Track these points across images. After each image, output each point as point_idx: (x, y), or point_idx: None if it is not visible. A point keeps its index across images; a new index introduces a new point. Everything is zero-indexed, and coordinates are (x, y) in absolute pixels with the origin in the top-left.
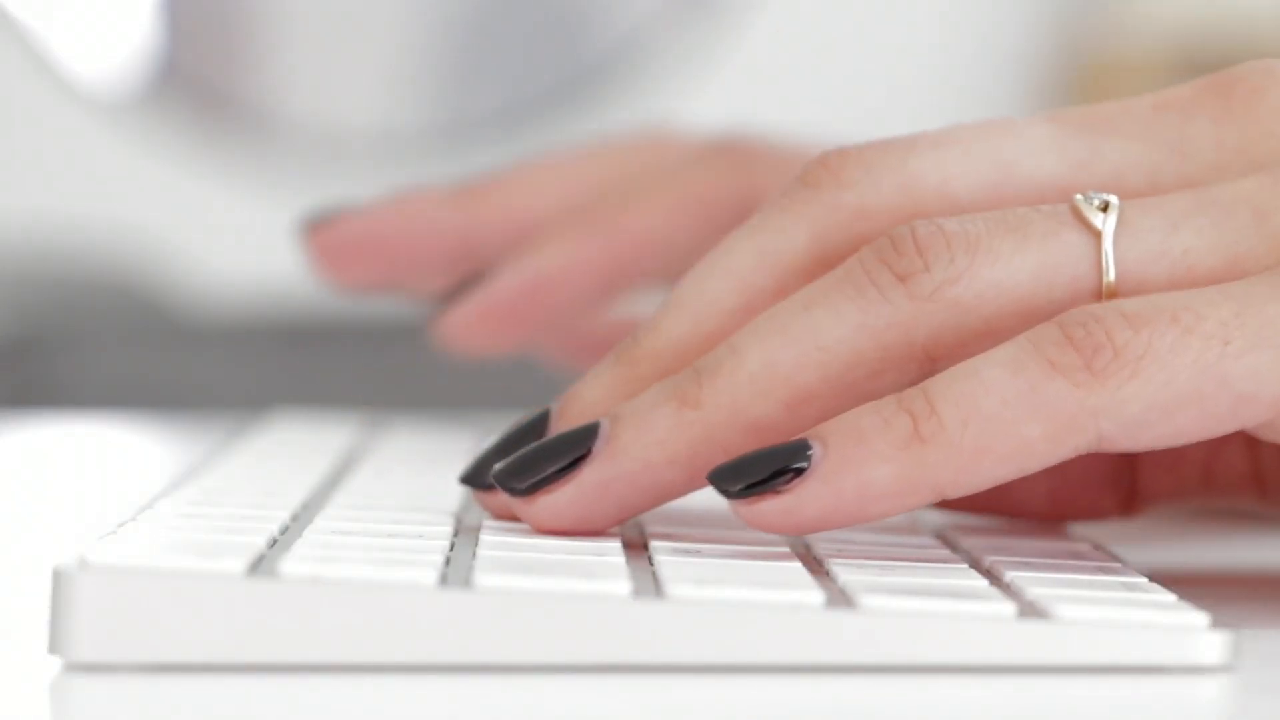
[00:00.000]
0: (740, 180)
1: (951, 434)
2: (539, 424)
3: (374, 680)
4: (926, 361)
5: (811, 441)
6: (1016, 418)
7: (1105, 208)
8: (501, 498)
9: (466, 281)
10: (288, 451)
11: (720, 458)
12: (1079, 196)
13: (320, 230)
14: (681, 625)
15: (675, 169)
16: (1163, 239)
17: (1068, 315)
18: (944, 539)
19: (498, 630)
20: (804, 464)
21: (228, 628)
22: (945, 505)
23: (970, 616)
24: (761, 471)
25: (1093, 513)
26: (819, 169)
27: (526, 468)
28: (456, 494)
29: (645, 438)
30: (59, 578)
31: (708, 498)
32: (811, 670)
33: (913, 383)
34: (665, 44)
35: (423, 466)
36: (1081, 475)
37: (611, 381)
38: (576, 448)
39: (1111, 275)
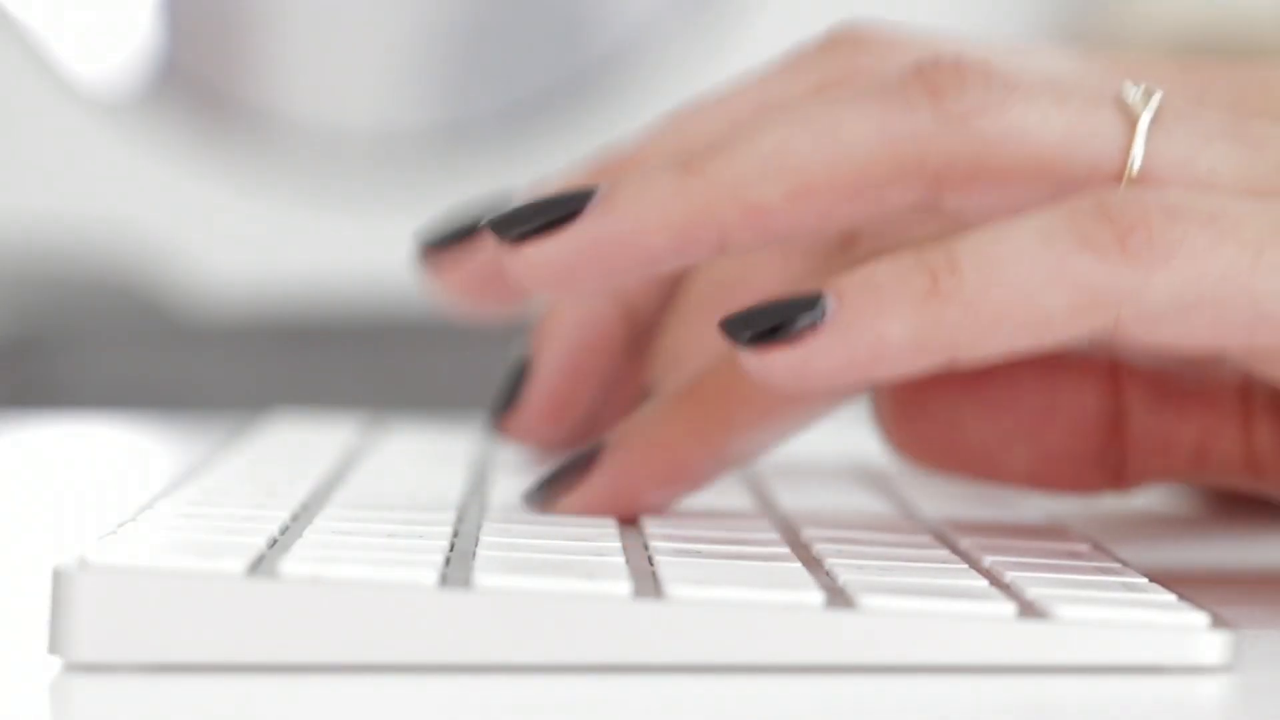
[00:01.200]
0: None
1: (971, 294)
2: (558, 195)
3: (374, 680)
4: (933, 186)
5: (826, 294)
6: (1041, 286)
7: (1149, 96)
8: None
9: (514, 375)
10: (288, 451)
11: (712, 234)
12: (1127, 83)
13: (514, 417)
14: (681, 625)
15: None
16: (1192, 150)
17: (1107, 193)
18: (944, 539)
19: (498, 630)
20: (817, 316)
21: (228, 628)
22: (933, 466)
23: (970, 616)
24: (771, 320)
25: (1077, 486)
26: (840, 32)
27: (520, 217)
28: (456, 494)
29: (641, 199)
30: (59, 578)
31: (708, 498)
32: (811, 670)
33: (918, 204)
34: (665, 44)
35: (423, 466)
36: (1068, 448)
37: (666, 177)
38: (572, 203)
39: (1137, 165)
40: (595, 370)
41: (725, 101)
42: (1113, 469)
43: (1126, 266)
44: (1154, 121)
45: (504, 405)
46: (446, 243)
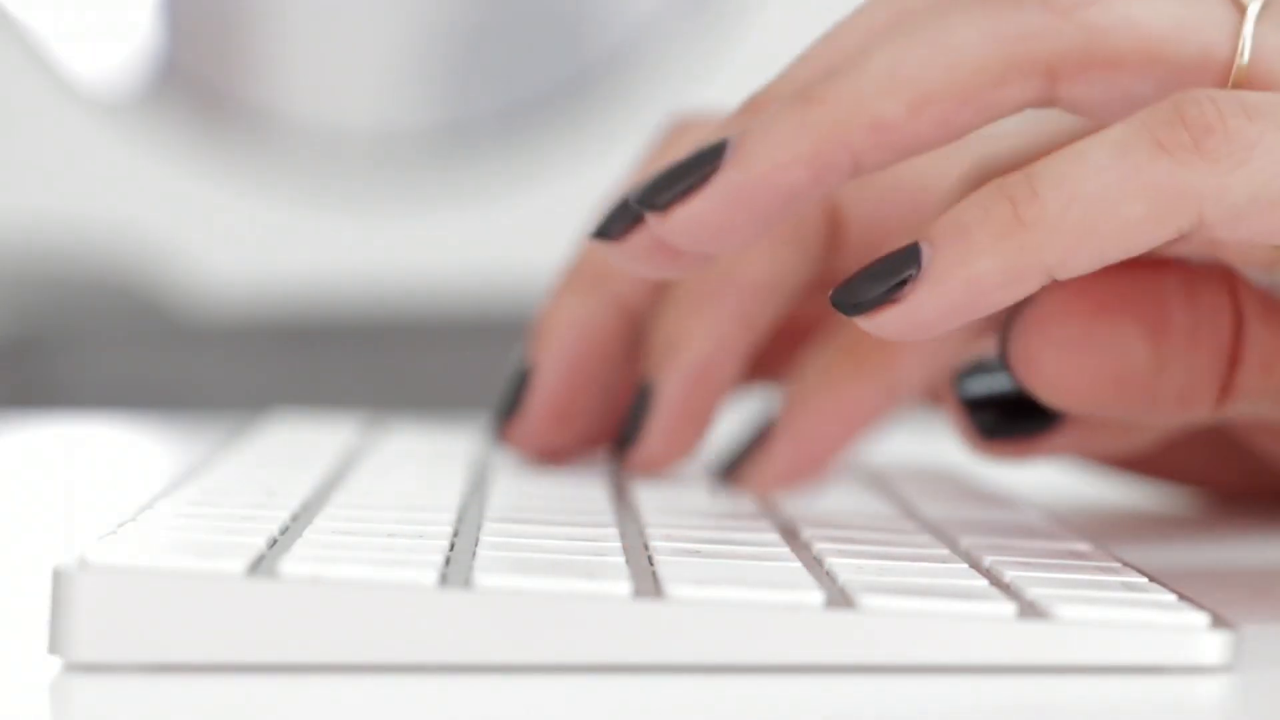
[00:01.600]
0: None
1: (1052, 216)
2: (691, 155)
3: (374, 680)
4: (1049, 79)
5: (921, 244)
6: (1120, 196)
7: None
8: (636, 235)
9: (515, 383)
10: (288, 451)
11: (844, 158)
12: None
13: (517, 424)
14: (681, 625)
15: None
16: None
17: (1184, 94)
18: (944, 539)
19: (498, 630)
20: (914, 269)
21: (228, 628)
22: (1081, 403)
23: (970, 616)
24: (875, 289)
25: (1209, 405)
26: None
27: (661, 184)
28: (456, 494)
29: (770, 139)
30: (59, 578)
31: (706, 498)
32: (811, 670)
33: (1035, 100)
34: (665, 44)
35: (423, 466)
36: (1210, 370)
37: (757, 106)
38: (707, 159)
39: (1246, 55)
40: (596, 374)
41: (847, 25)
42: (1221, 386)
43: (1204, 167)
44: (1263, 10)
45: (506, 413)
46: (613, 231)
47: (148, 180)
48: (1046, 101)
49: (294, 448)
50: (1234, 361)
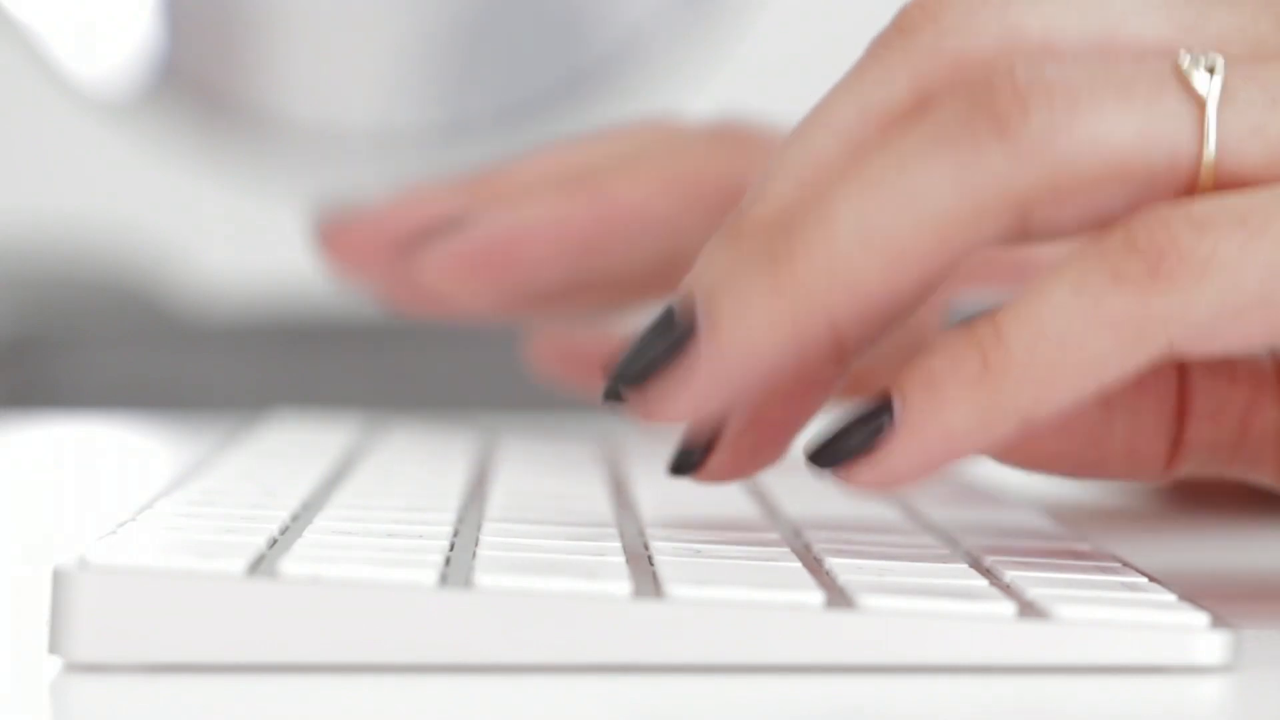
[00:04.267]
0: (733, 163)
1: (1020, 360)
2: (665, 322)
3: (374, 680)
4: (1020, 214)
5: (893, 395)
6: (1084, 332)
7: (1211, 70)
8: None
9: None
10: (288, 451)
11: (822, 327)
12: (1185, 57)
13: (332, 229)
14: (681, 625)
15: (669, 148)
16: (1262, 114)
17: (1134, 219)
18: (944, 539)
19: (498, 630)
20: (886, 420)
21: (228, 628)
22: (1033, 461)
23: (970, 616)
24: (852, 444)
25: (1148, 466)
26: (915, 12)
27: (632, 368)
28: (456, 494)
29: (743, 316)
30: (59, 578)
31: (707, 498)
32: (811, 670)
33: (1008, 235)
34: (665, 44)
35: (423, 466)
36: (1153, 423)
37: (726, 259)
38: (676, 339)
39: (1212, 148)
40: (536, 253)
41: (828, 127)
42: (1169, 444)
43: (1161, 291)
44: (1222, 99)
45: (335, 218)
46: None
47: (148, 180)
48: (1020, 234)
49: (294, 448)
50: (1182, 414)
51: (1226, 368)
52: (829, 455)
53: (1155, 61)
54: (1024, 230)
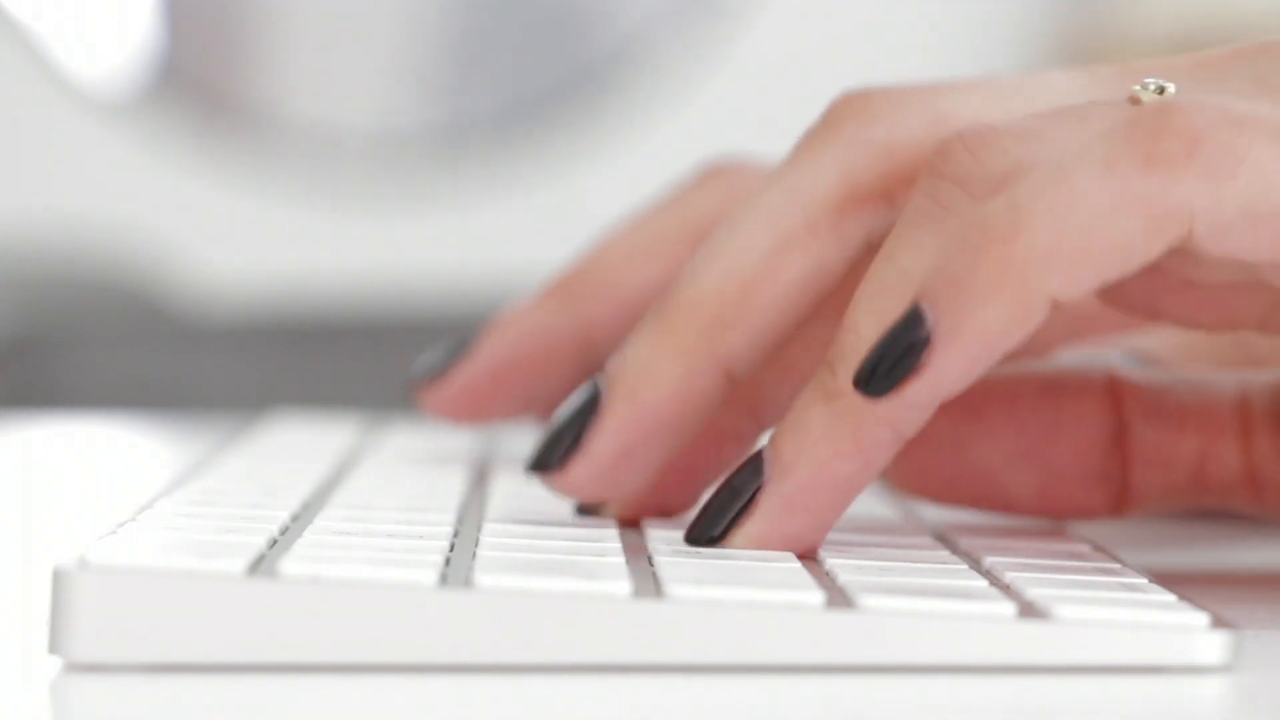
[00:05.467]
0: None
1: (1044, 246)
2: (591, 404)
3: (374, 680)
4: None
5: (923, 307)
6: (1112, 216)
7: (1161, 91)
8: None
9: (451, 350)
10: (288, 451)
11: (881, 430)
12: (1136, 86)
13: (434, 387)
14: (681, 625)
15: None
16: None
17: (1166, 103)
18: (944, 539)
19: (498, 630)
20: (924, 333)
21: (228, 628)
22: (935, 497)
23: (970, 616)
24: (891, 362)
25: (1083, 509)
26: (843, 107)
27: (713, 517)
28: (456, 494)
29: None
30: (59, 578)
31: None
32: (811, 670)
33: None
34: (665, 44)
35: (423, 466)
36: (1072, 467)
37: (654, 340)
38: (750, 481)
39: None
40: (533, 372)
41: (759, 217)
42: (1115, 489)
43: (1196, 178)
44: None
45: (428, 374)
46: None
47: (148, 180)
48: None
49: (294, 448)
50: (1125, 462)
51: (1174, 418)
52: (878, 383)
53: (1111, 92)
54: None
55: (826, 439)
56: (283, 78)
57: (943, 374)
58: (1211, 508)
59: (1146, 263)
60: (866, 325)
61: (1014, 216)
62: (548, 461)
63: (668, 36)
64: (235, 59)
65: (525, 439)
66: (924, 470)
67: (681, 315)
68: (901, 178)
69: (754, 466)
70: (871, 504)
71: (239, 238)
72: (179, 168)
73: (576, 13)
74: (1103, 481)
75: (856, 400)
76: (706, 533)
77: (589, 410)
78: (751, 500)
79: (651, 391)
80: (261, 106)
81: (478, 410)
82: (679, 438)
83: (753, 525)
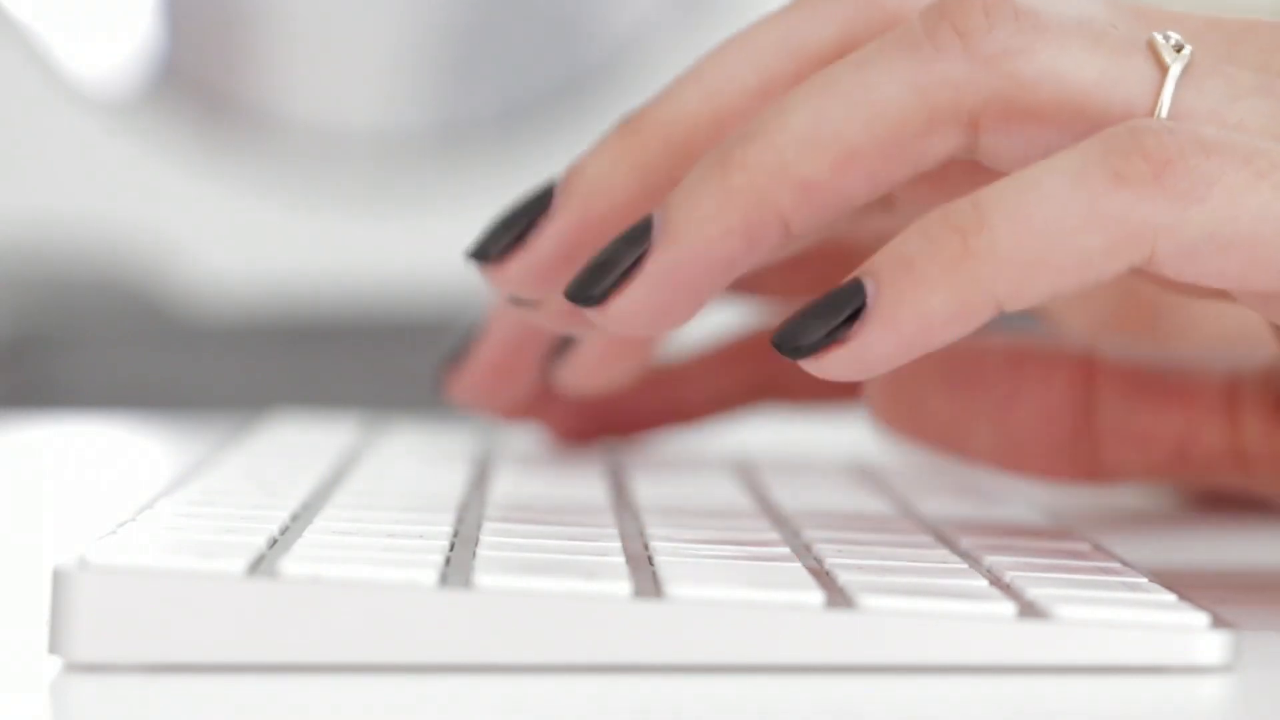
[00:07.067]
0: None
1: (1003, 247)
2: (543, 198)
3: (374, 680)
4: (971, 129)
5: (864, 279)
6: (1077, 227)
7: (1179, 50)
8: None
9: (467, 339)
10: (288, 451)
11: (773, 223)
12: (1157, 34)
13: (455, 370)
14: (681, 625)
15: None
16: (1220, 103)
17: (1141, 123)
18: (944, 539)
19: (498, 630)
20: (859, 304)
21: (228, 628)
22: (902, 433)
23: (970, 616)
24: (819, 330)
25: (1046, 472)
26: None
27: (592, 278)
28: (456, 494)
29: (695, 214)
30: (59, 578)
31: (709, 497)
32: (811, 670)
33: (957, 150)
34: (665, 45)
35: (423, 466)
36: (1032, 434)
37: (616, 151)
38: (636, 245)
39: (1164, 114)
40: (541, 345)
41: (748, 52)
42: (1085, 461)
43: (1163, 200)
44: (1184, 73)
45: (451, 363)
46: (492, 251)
47: (148, 180)
48: (968, 151)
49: (294, 448)
50: (1095, 436)
51: (1152, 400)
52: (795, 339)
53: (1128, 28)
54: (971, 150)
55: (719, 215)
56: (283, 78)
57: (867, 349)
58: (1197, 484)
59: (1102, 280)
60: (797, 107)
61: (977, 214)
62: (488, 251)
63: (667, 38)
64: (235, 59)
65: (526, 439)
66: (896, 409)
67: (650, 132)
68: None
69: (640, 230)
70: (872, 504)
71: (239, 238)
72: (179, 168)
73: (575, 14)
74: (1068, 451)
75: (753, 179)
76: (585, 291)
77: (538, 209)
78: (635, 266)
79: (604, 200)
80: (261, 107)
81: (501, 387)
82: (719, 287)
83: (634, 290)
